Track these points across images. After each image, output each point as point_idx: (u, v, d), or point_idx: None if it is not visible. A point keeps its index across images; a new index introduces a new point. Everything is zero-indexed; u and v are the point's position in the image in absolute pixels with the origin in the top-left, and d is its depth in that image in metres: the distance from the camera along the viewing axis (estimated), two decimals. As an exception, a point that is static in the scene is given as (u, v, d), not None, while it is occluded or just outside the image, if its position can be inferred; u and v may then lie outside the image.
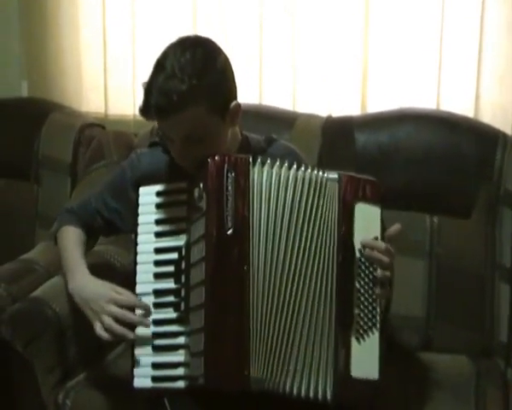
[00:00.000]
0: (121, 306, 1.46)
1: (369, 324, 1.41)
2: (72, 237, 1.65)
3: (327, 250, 1.41)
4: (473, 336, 1.96)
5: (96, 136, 2.35)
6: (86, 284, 1.53)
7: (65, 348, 1.77)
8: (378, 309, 1.41)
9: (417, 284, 1.98)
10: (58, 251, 1.66)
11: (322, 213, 1.42)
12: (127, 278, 1.55)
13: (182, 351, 1.43)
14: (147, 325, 1.45)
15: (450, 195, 1.99)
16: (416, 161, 2.00)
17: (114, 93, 2.56)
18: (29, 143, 2.39)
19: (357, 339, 1.40)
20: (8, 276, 1.99)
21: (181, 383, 1.42)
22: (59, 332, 1.76)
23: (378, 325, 1.41)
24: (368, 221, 1.42)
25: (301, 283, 1.39)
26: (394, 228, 1.44)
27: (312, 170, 1.43)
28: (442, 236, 1.98)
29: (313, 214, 1.41)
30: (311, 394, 1.39)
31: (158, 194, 1.52)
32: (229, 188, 1.38)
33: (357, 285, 1.41)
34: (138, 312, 1.46)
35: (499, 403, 1.75)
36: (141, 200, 1.53)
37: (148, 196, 1.52)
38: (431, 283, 1.97)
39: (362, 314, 1.40)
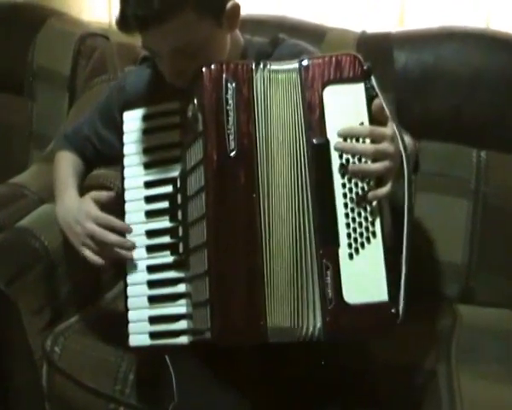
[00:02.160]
0: (104, 225, 1.32)
1: (365, 233, 1.14)
2: (65, 162, 1.52)
3: (300, 156, 1.17)
4: (520, 288, 1.79)
5: (98, 47, 2.15)
6: (71, 206, 1.40)
7: (54, 287, 1.60)
8: (377, 213, 1.15)
9: (459, 227, 1.81)
10: (53, 176, 1.53)
11: (288, 116, 1.18)
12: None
13: (183, 301, 1.26)
14: (127, 248, 1.30)
15: (502, 127, 1.80)
16: (464, 86, 1.80)
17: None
18: (23, 52, 2.20)
19: (350, 256, 1.15)
20: (-6, 201, 1.80)
21: (184, 339, 1.25)
22: (48, 268, 1.59)
23: (378, 232, 1.14)
24: (347, 106, 1.16)
25: (289, 201, 1.17)
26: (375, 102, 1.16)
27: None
28: (490, 173, 1.80)
29: (280, 118, 1.18)
30: (304, 332, 1.16)
31: (145, 118, 1.33)
32: (230, 101, 1.17)
33: (340, 189, 1.15)
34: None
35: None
36: (125, 127, 1.35)
37: (134, 121, 1.34)
38: (475, 226, 1.80)
39: (351, 223, 1.15)
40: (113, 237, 1.30)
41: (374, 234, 1.15)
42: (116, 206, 1.35)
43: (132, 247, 1.30)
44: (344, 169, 1.15)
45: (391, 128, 1.14)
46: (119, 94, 1.46)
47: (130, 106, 1.35)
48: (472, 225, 1.79)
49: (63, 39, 2.18)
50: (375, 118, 1.15)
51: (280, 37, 1.42)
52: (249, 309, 1.15)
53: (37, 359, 1.57)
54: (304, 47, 1.40)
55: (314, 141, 1.16)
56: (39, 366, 1.57)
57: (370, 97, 1.16)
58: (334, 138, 1.16)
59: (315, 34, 1.92)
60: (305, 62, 1.18)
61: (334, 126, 1.16)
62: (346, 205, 1.15)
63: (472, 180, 1.80)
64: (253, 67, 1.18)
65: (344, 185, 1.15)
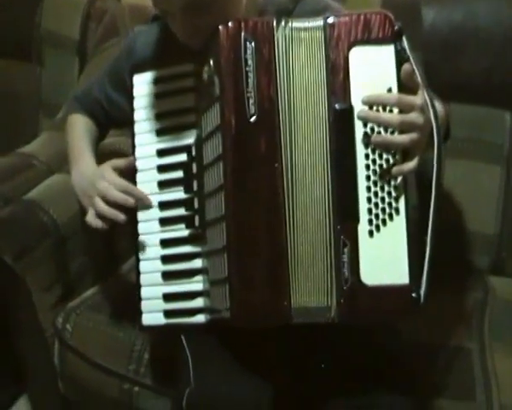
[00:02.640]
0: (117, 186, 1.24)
1: (388, 209, 1.06)
2: (79, 126, 1.46)
3: (321, 123, 1.09)
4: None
5: (108, 9, 2.07)
6: (86, 171, 1.33)
7: (65, 262, 1.54)
8: (401, 188, 1.07)
9: (491, 196, 1.72)
10: (66, 140, 1.48)
11: (312, 78, 1.10)
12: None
13: (199, 277, 1.19)
14: (148, 205, 1.22)
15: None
16: (497, 46, 1.69)
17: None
18: (29, 16, 2.12)
19: (371, 233, 1.07)
20: (1, 172, 1.72)
21: (201, 317, 1.18)
22: (57, 243, 1.52)
23: (402, 208, 1.06)
24: (374, 69, 1.07)
25: (309, 171, 1.09)
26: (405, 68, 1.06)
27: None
28: None
29: (303, 81, 1.10)
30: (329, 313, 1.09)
31: (156, 81, 1.24)
32: (249, 62, 1.08)
33: (364, 160, 1.07)
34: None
35: None
36: (136, 91, 1.26)
37: (145, 85, 1.25)
38: (508, 194, 1.71)
39: (373, 197, 1.07)
40: (120, 196, 1.22)
41: (397, 211, 1.07)
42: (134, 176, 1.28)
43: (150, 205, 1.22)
44: (368, 139, 1.06)
45: (421, 96, 1.05)
46: (128, 56, 1.37)
47: (141, 68, 1.26)
48: (505, 193, 1.71)
49: (71, 2, 2.11)
50: (405, 84, 1.06)
51: None
52: (272, 287, 1.07)
53: (48, 336, 1.51)
54: (327, 3, 1.30)
55: (336, 106, 1.08)
56: (51, 344, 1.52)
57: (401, 61, 1.06)
58: (358, 105, 1.07)
59: None
60: (330, 20, 1.08)
61: (360, 91, 1.07)
62: (368, 178, 1.07)
63: (505, 145, 1.72)
64: (274, 24, 1.09)
65: (367, 156, 1.07)
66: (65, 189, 1.51)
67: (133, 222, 1.24)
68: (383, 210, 1.07)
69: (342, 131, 1.08)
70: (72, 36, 2.09)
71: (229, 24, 1.08)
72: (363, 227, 1.07)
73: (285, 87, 1.08)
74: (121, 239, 1.66)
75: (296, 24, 1.09)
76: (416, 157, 1.05)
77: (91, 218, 1.24)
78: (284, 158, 1.08)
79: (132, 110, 1.26)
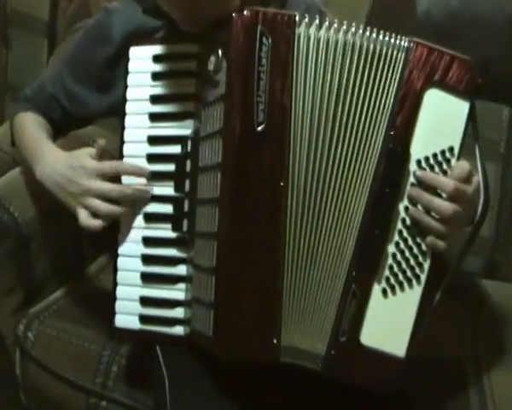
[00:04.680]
0: (105, 176, 1.14)
1: (409, 272, 1.01)
2: (31, 122, 1.33)
3: (368, 157, 1.01)
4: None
5: None
6: (57, 162, 1.19)
7: (28, 264, 1.44)
8: (429, 256, 1.01)
9: None
10: (17, 144, 1.36)
11: (373, 101, 1.01)
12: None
13: (182, 285, 1.12)
14: (146, 195, 1.13)
15: (538, 80, 1.67)
16: (497, 33, 1.66)
17: None
18: None
19: (384, 291, 1.01)
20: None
21: (180, 329, 1.11)
22: (19, 243, 1.42)
23: (423, 278, 1.01)
24: (443, 121, 1.00)
25: (336, 205, 1.02)
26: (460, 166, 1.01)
27: (372, 34, 1.01)
28: None
29: (363, 102, 1.01)
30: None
31: (156, 59, 1.14)
32: (264, 61, 0.98)
33: (402, 213, 1.00)
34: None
35: None
36: (131, 65, 1.16)
37: (142, 60, 1.15)
38: (504, 194, 1.68)
39: (399, 256, 1.01)
40: (127, 190, 1.12)
41: (418, 278, 1.02)
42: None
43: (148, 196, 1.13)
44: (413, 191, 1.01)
45: (475, 185, 1.01)
46: (101, 40, 1.26)
47: (139, 41, 1.16)
48: (501, 192, 1.68)
49: None
50: (458, 177, 0.99)
51: None
52: (262, 322, 1.01)
53: (8, 344, 1.43)
54: (315, 1, 1.26)
55: (391, 145, 0.99)
56: (12, 353, 1.42)
57: (470, 120, 1.01)
58: (415, 151, 1.00)
59: None
60: (414, 44, 1.00)
61: (421, 138, 1.00)
62: (400, 232, 1.01)
63: (502, 142, 1.68)
64: (296, 19, 1.00)
65: (406, 209, 1.00)
66: (29, 183, 1.42)
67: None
68: (404, 272, 1.01)
69: (389, 175, 1.00)
70: (41, 16, 2.03)
71: (245, 12, 0.98)
72: (378, 283, 1.01)
73: (300, 95, 1.00)
74: (89, 237, 1.56)
75: (317, 22, 1.00)
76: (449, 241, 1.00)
77: (86, 220, 1.13)
78: (291, 177, 1.00)
79: (126, 87, 1.16)
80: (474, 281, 1.64)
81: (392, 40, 1.00)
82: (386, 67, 1.00)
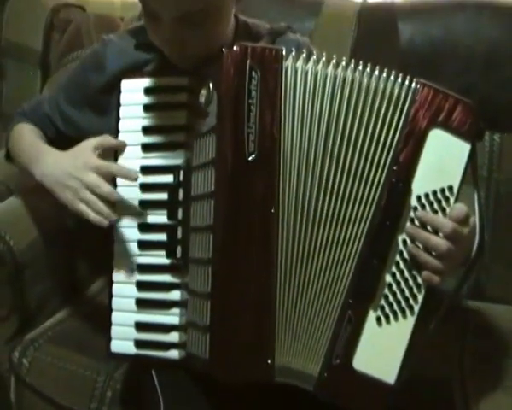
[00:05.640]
0: (108, 174, 1.15)
1: (403, 303, 1.03)
2: (28, 131, 1.36)
3: (366, 189, 1.03)
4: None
5: (73, 19, 2.05)
6: (59, 161, 1.21)
7: (22, 292, 1.44)
8: (423, 290, 1.03)
9: None
10: (15, 154, 1.38)
11: (375, 136, 1.03)
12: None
13: (176, 310, 1.12)
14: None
15: (519, 108, 1.68)
16: (478, 63, 1.67)
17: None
18: None
19: (379, 319, 1.03)
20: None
21: (175, 353, 1.12)
22: (14, 271, 1.42)
23: (416, 309, 1.03)
24: (444, 160, 1.03)
25: (331, 233, 1.04)
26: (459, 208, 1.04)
27: (373, 71, 1.04)
28: (504, 158, 1.67)
29: (364, 136, 1.03)
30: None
31: (147, 91, 1.16)
32: (253, 93, 1.00)
33: (400, 245, 1.03)
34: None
35: None
36: (123, 98, 1.18)
37: (134, 93, 1.17)
38: (486, 217, 1.66)
39: (395, 287, 1.03)
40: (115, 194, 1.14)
41: (411, 309, 1.03)
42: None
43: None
44: (411, 227, 1.03)
45: (471, 226, 1.05)
46: (96, 67, 1.29)
47: (130, 74, 1.19)
48: (480, 217, 1.65)
49: (34, 11, 2.09)
50: (456, 218, 1.02)
51: (283, 26, 1.30)
52: (256, 344, 1.03)
53: (4, 371, 1.43)
54: (306, 43, 1.30)
55: (394, 180, 1.02)
56: (7, 379, 1.43)
57: (470, 161, 1.04)
58: (416, 186, 1.03)
59: (311, 5, 1.80)
60: (421, 85, 1.03)
61: (423, 175, 1.02)
62: (397, 264, 1.03)
63: (484, 166, 1.67)
64: (283, 53, 1.03)
65: (405, 242, 1.03)
66: (24, 212, 1.44)
67: (109, 240, 1.17)
68: (398, 302, 1.03)
69: (391, 208, 1.03)
70: (35, 47, 2.05)
71: (235, 48, 1.01)
72: (373, 311, 1.03)
73: (289, 126, 1.02)
74: (83, 263, 1.58)
75: (303, 55, 1.03)
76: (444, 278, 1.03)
77: (90, 212, 1.13)
78: (282, 204, 1.02)
79: (118, 118, 1.18)
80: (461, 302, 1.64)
81: (399, 79, 1.03)
82: (385, 103, 1.03)
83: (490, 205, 1.67)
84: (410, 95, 1.02)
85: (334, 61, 1.03)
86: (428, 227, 1.02)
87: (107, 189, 1.13)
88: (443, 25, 1.70)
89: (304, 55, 1.03)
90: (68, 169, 1.17)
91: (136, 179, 1.13)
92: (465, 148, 1.03)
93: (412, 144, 1.02)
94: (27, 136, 1.34)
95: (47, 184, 1.22)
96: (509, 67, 1.64)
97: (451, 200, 1.02)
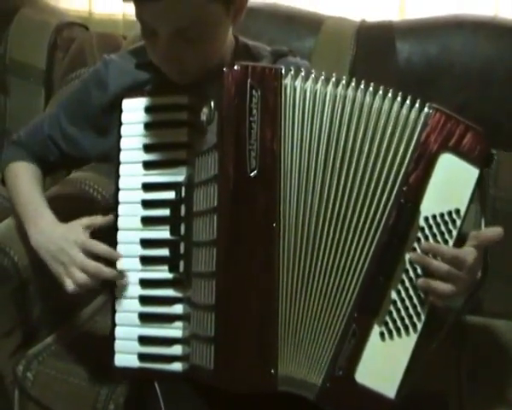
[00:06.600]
0: (92, 253, 1.18)
1: (407, 320, 1.05)
2: (25, 176, 1.35)
3: (375, 207, 1.06)
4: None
5: (76, 37, 2.06)
6: (52, 233, 1.23)
7: (26, 306, 1.46)
8: (427, 308, 1.05)
9: None
10: (10, 196, 1.37)
11: (381, 155, 1.06)
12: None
13: (179, 324, 1.13)
14: (121, 281, 1.17)
15: (514, 124, 1.68)
16: (473, 81, 1.69)
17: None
18: None
19: (382, 335, 1.05)
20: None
21: (178, 366, 1.13)
22: (18, 286, 1.44)
23: (419, 327, 1.05)
24: (453, 184, 1.05)
25: (333, 248, 1.06)
26: (493, 231, 1.08)
27: (377, 91, 1.06)
28: (500, 175, 1.69)
29: (368, 154, 1.06)
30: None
31: (148, 110, 1.18)
32: (254, 111, 1.03)
33: (406, 264, 1.05)
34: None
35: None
36: (124, 117, 1.20)
37: (134, 112, 1.19)
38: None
39: (400, 304, 1.05)
40: (107, 271, 1.16)
41: (414, 326, 1.05)
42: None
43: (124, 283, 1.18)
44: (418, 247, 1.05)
45: (474, 256, 1.05)
46: (98, 86, 1.31)
47: (131, 93, 1.21)
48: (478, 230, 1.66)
49: (38, 30, 2.09)
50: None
51: (284, 50, 1.32)
52: (259, 354, 1.04)
53: (7, 384, 1.44)
54: (306, 66, 1.29)
55: (402, 200, 1.04)
56: (11, 392, 1.44)
57: (478, 186, 1.06)
58: (424, 208, 1.05)
59: (311, 24, 1.81)
60: (433, 109, 1.06)
61: (431, 197, 1.05)
62: (402, 282, 1.04)
63: None
64: (282, 72, 1.05)
65: (411, 262, 1.05)
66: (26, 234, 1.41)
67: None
68: (402, 319, 1.05)
69: (399, 227, 1.05)
70: (39, 66, 2.05)
71: (236, 67, 1.04)
72: (378, 326, 1.05)
73: (288, 143, 1.04)
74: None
75: (302, 74, 1.06)
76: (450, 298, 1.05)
77: (71, 286, 1.18)
78: (283, 219, 1.04)
79: (119, 137, 1.20)
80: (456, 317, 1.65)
81: (407, 101, 1.05)
82: (392, 123, 1.05)
83: (486, 221, 1.58)
84: (422, 118, 1.05)
85: (333, 79, 1.06)
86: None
87: (92, 268, 1.16)
88: (440, 43, 1.71)
89: (302, 73, 1.05)
90: (61, 243, 1.20)
91: (118, 259, 1.16)
92: (474, 173, 1.05)
93: (422, 167, 1.04)
94: (25, 183, 1.34)
95: (41, 255, 1.24)
96: (505, 84, 1.66)
97: (458, 223, 1.05)
